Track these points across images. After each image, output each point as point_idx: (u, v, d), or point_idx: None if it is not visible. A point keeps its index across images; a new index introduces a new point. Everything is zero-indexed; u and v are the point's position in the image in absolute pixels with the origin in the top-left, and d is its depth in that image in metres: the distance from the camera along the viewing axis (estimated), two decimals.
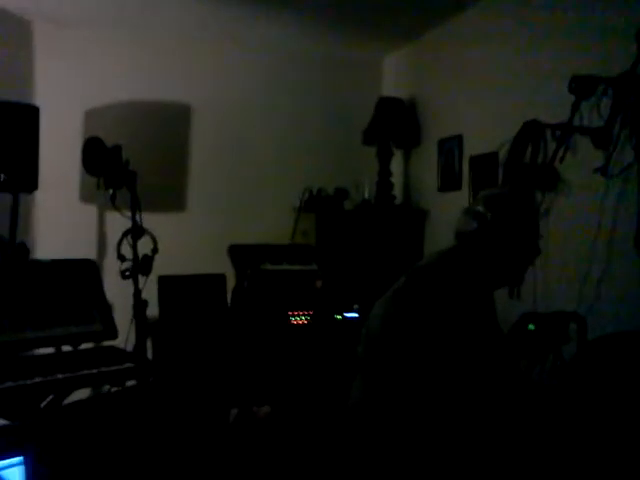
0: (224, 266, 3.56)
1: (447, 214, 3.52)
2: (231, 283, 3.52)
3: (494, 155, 3.35)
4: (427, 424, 1.65)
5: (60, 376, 2.38)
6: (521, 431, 1.70)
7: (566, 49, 2.93)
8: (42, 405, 2.43)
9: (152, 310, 3.29)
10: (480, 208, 1.83)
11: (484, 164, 3.45)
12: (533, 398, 1.85)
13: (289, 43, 4.29)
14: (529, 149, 3.08)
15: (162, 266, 3.30)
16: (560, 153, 2.90)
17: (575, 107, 2.79)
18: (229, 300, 3.48)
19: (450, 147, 3.82)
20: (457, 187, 3.74)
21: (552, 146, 2.94)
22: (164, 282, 3.35)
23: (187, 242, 3.93)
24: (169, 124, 4.10)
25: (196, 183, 4.13)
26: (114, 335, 2.83)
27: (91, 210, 3.82)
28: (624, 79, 2.55)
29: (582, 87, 2.75)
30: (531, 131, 3.05)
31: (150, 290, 3.27)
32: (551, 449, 1.73)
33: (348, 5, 3.66)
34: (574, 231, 2.81)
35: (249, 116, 4.27)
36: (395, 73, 4.55)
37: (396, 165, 4.26)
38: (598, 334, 2.00)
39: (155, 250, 3.21)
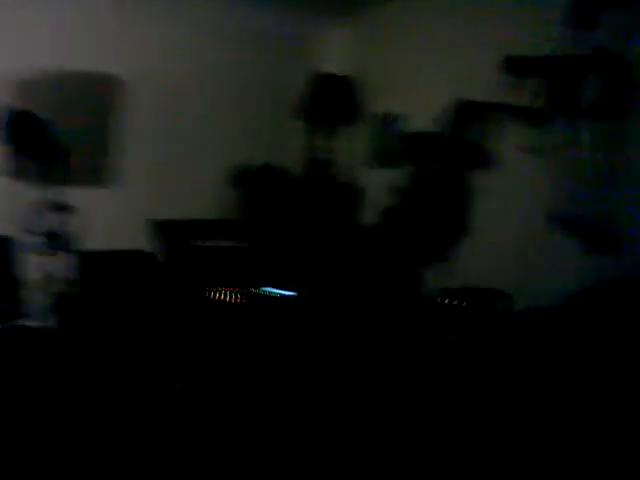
0: (151, 242, 3.42)
1: (382, 190, 3.53)
2: (160, 259, 3.39)
3: (430, 134, 3.36)
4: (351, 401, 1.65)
5: None
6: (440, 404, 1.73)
7: (502, 30, 2.97)
8: None
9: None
10: (409, 185, 1.83)
11: (420, 142, 3.46)
12: (457, 372, 1.89)
13: (229, 14, 4.15)
14: (464, 128, 3.12)
15: (87, 241, 3.14)
16: (493, 132, 2.97)
17: (508, 87, 2.85)
18: (157, 277, 3.36)
19: (387, 125, 3.82)
20: (393, 164, 3.75)
21: (486, 125, 3.00)
22: (86, 258, 3.19)
23: (112, 217, 3.72)
24: (98, 95, 3.87)
25: (125, 157, 3.93)
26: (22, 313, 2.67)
27: (3, 183, 3.56)
28: (555, 60, 2.62)
29: (515, 67, 2.81)
30: (466, 110, 3.09)
31: (71, 266, 3.11)
32: (478, 419, 1.77)
33: None
34: (505, 208, 2.88)
35: (183, 89, 4.10)
36: (335, 48, 4.49)
37: (333, 141, 4.22)
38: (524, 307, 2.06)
39: (76, 225, 3.04)
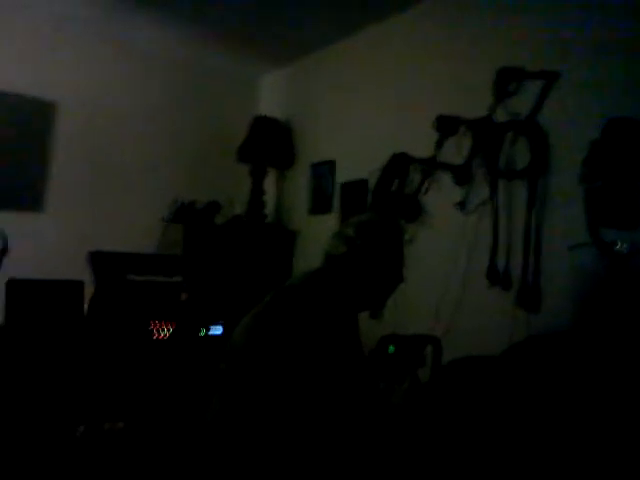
0: (83, 273, 3.37)
1: (317, 236, 3.60)
2: (90, 292, 3.33)
3: (364, 182, 3.49)
4: (283, 438, 1.66)
5: None
6: (373, 450, 1.77)
7: (434, 90, 3.14)
8: None
9: None
10: (351, 233, 1.88)
11: (354, 190, 3.58)
12: (388, 419, 1.93)
13: (169, 50, 4.21)
14: (396, 180, 3.25)
15: (13, 269, 3.06)
16: (424, 186, 3.11)
17: (439, 144, 3.01)
18: (86, 309, 3.29)
19: (323, 171, 3.92)
20: (327, 210, 3.84)
21: (417, 179, 3.14)
22: (13, 286, 3.10)
23: (44, 245, 3.67)
24: (31, 119, 3.83)
25: (58, 183, 3.88)
26: None
27: None
28: (482, 122, 2.80)
29: (446, 126, 2.97)
30: (399, 163, 3.22)
31: None
32: (405, 468, 1.81)
33: (230, 20, 3.69)
34: (434, 260, 3.00)
35: (122, 120, 4.11)
36: (273, 92, 4.62)
37: (269, 184, 4.30)
38: (451, 357, 2.13)
39: (4, 250, 2.97)
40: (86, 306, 3.30)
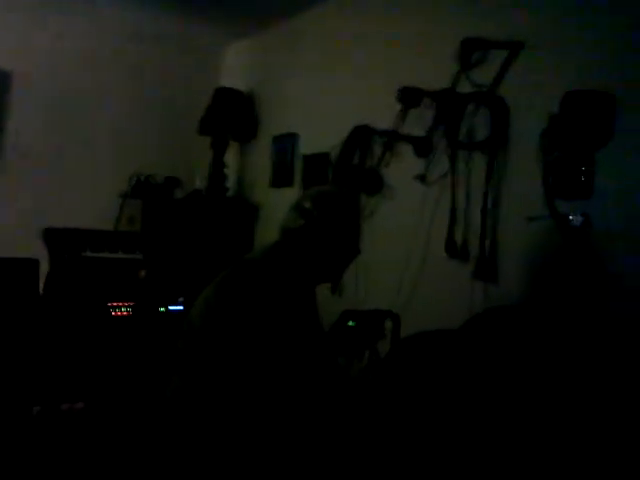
0: (38, 251, 3.27)
1: (278, 209, 3.55)
2: (45, 270, 3.24)
3: (326, 156, 3.44)
4: (243, 414, 1.65)
5: None
6: (334, 424, 1.76)
7: (399, 62, 3.09)
8: None
9: None
10: (307, 205, 1.86)
11: (316, 163, 3.54)
12: (347, 392, 1.93)
13: (130, 20, 4.08)
14: (358, 152, 3.21)
15: None
16: (386, 158, 3.08)
17: (402, 116, 2.98)
18: (41, 288, 3.21)
19: (285, 144, 3.86)
20: (289, 184, 3.80)
21: (379, 151, 3.11)
22: None
23: None
24: None
25: (11, 157, 3.75)
26: None
27: None
28: (445, 94, 2.76)
29: (408, 98, 2.93)
30: (360, 135, 3.19)
31: None
32: (364, 442, 1.82)
33: None
34: (394, 234, 2.98)
35: (78, 91, 3.98)
36: (235, 64, 4.52)
37: (231, 157, 4.23)
38: (411, 331, 2.13)
39: None
40: (42, 285, 3.21)
